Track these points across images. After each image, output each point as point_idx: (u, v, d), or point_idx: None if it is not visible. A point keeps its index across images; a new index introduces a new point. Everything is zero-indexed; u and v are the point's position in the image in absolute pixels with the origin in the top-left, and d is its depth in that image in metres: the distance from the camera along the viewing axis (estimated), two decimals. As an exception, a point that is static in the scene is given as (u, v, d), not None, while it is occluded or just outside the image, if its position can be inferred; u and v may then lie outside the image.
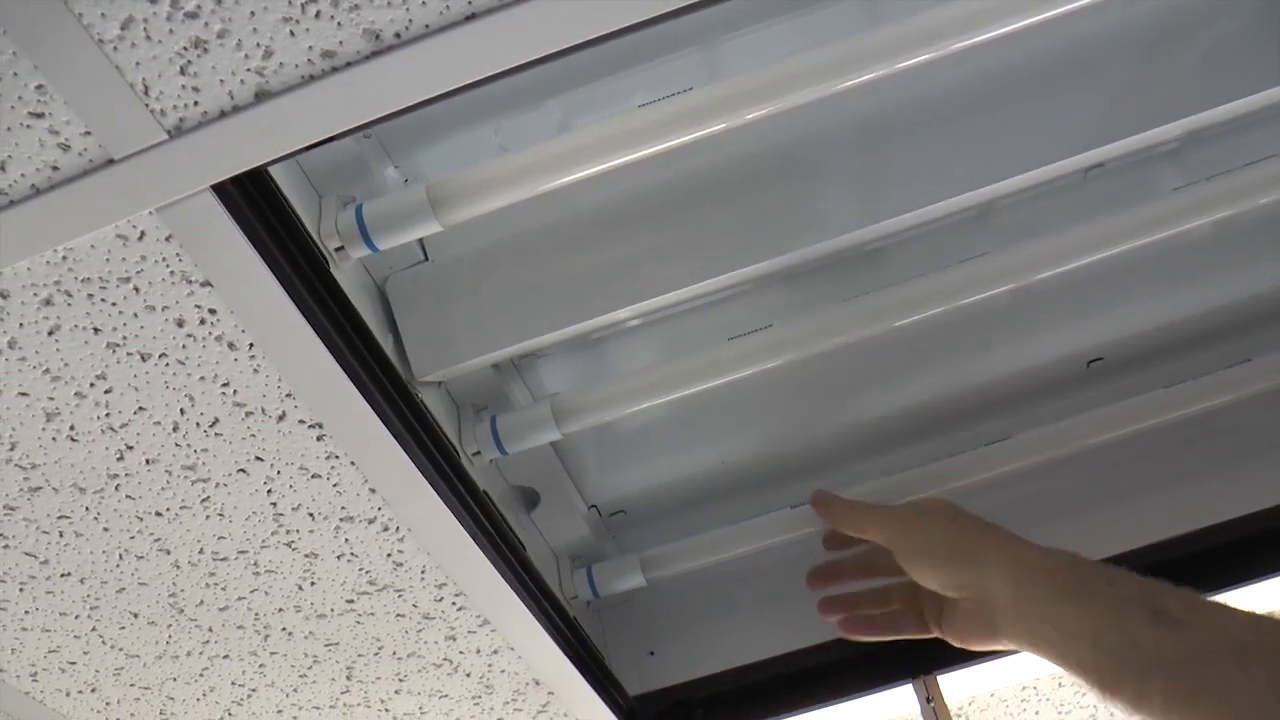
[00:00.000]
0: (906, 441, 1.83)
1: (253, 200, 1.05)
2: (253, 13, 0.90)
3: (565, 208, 1.45)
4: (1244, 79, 1.36)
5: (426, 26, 0.93)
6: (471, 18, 0.93)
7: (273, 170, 1.08)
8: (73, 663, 1.47)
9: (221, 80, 0.94)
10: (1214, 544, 1.71)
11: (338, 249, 1.28)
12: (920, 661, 1.77)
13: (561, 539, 1.80)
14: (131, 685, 1.52)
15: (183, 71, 0.93)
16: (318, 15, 0.91)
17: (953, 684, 1.78)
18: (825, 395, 1.82)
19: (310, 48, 0.93)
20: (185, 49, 0.92)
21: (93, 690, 1.52)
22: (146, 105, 0.94)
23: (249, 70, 0.94)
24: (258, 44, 0.92)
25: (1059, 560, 0.94)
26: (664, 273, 1.43)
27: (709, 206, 1.44)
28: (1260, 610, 0.94)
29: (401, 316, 1.43)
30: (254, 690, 1.57)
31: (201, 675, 1.53)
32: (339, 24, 0.92)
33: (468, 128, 1.44)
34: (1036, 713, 2.06)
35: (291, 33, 0.92)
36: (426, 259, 1.46)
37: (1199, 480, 1.76)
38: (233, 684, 1.55)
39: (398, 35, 0.93)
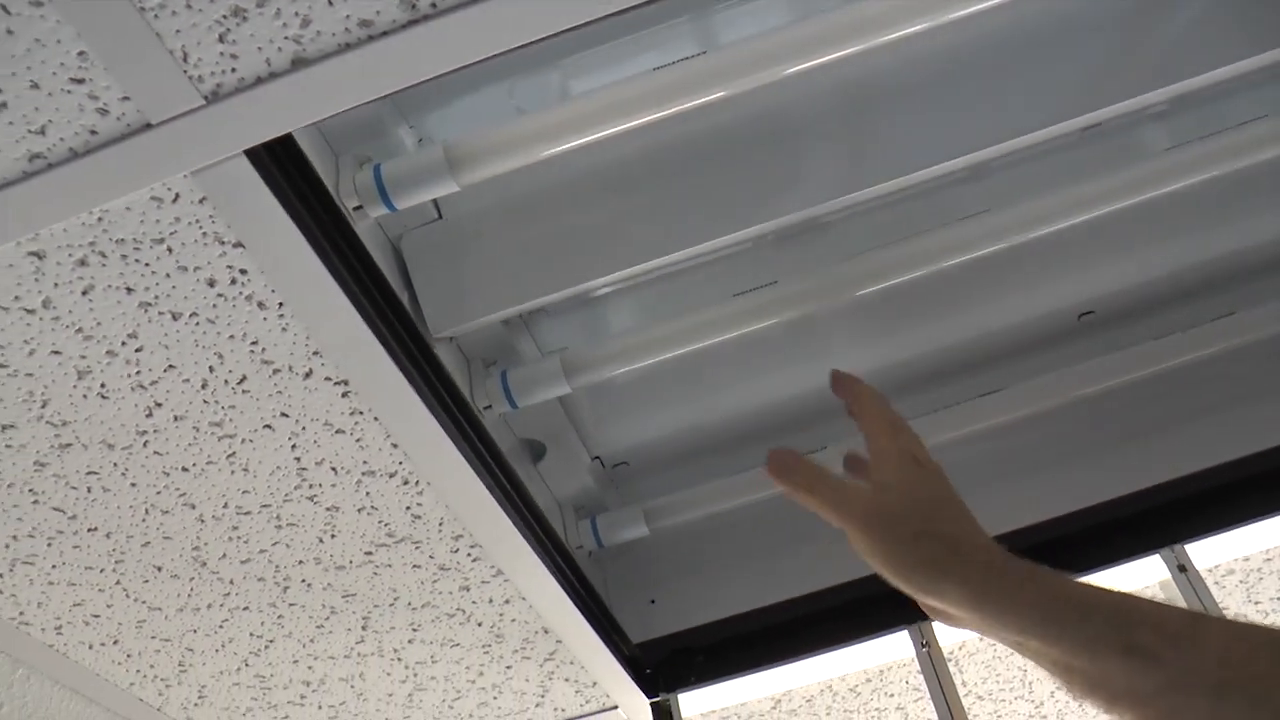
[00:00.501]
0: (902, 393, 1.88)
1: (282, 164, 1.08)
2: (292, -18, 0.92)
3: (573, 168, 1.48)
4: (1228, 47, 1.40)
5: (462, -5, 0.95)
6: (505, -13, 0.95)
7: (294, 132, 1.11)
8: (96, 616, 1.51)
9: (259, 48, 0.96)
10: (1204, 487, 1.77)
11: (356, 208, 1.31)
12: (916, 608, 1.82)
13: (566, 490, 1.84)
14: (153, 637, 1.56)
15: (221, 39, 0.95)
16: (355, -16, 0.93)
17: (945, 628, 1.84)
18: (823, 348, 1.86)
19: (348, 16, 0.95)
20: (225, 17, 0.94)
21: (115, 643, 1.56)
22: (185, 72, 0.97)
23: (286, 38, 0.96)
24: (296, 13, 0.94)
25: (1025, 592, 0.86)
26: (671, 232, 1.46)
27: (712, 169, 1.47)
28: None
29: (416, 274, 1.45)
30: (272, 641, 1.61)
31: (221, 627, 1.56)
32: (376, -8, 0.94)
33: (478, 89, 1.47)
34: (1024, 655, 2.13)
35: (330, 2, 0.94)
36: (440, 217, 1.48)
37: (1187, 427, 1.82)
38: (251, 635, 1.59)
39: (434, 5, 0.96)
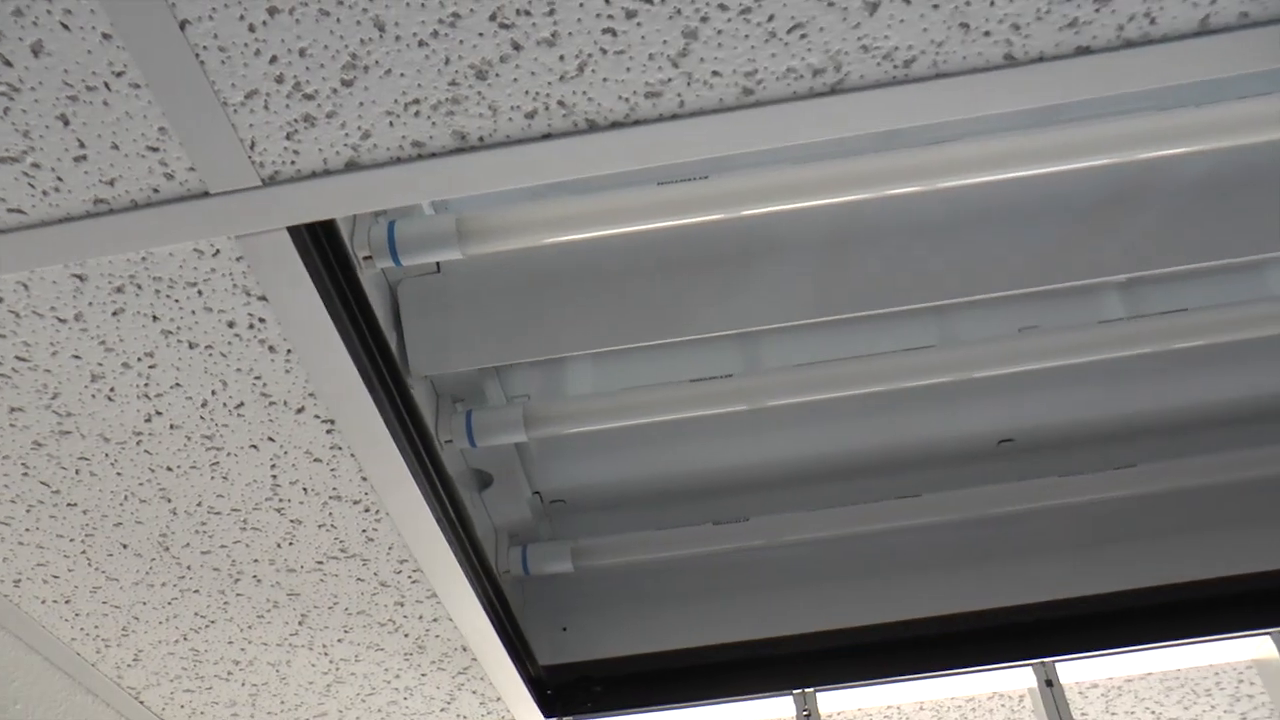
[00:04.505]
0: (828, 480, 2.03)
1: (319, 240, 1.20)
2: (361, 103, 1.04)
3: (569, 249, 1.60)
4: (1184, 248, 1.56)
5: (508, 137, 1.08)
6: (548, 137, 1.08)
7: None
8: (56, 577, 1.62)
9: (320, 149, 1.08)
10: (1079, 613, 1.95)
11: (365, 258, 1.43)
12: (802, 675, 1.99)
13: (504, 518, 1.97)
14: (104, 603, 1.67)
15: (288, 137, 1.07)
16: (417, 114, 1.05)
17: (828, 701, 2.00)
18: (762, 427, 2.00)
19: (404, 137, 1.07)
20: (295, 121, 1.05)
21: (67, 602, 1.67)
22: (249, 157, 1.08)
23: (345, 145, 1.08)
24: (359, 127, 1.06)
25: None
26: (646, 323, 1.59)
27: (697, 272, 1.60)
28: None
29: (408, 318, 1.58)
30: (213, 622, 1.73)
31: (169, 604, 1.68)
32: (433, 123, 1.06)
33: (494, 159, 1.58)
34: (894, 730, 2.30)
35: (391, 123, 1.06)
36: (438, 271, 1.60)
37: (1075, 556, 1.99)
38: (195, 614, 1.71)
39: (481, 139, 1.08)
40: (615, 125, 1.07)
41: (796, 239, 1.59)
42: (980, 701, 2.27)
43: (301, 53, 1.00)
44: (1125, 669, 2.04)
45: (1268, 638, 1.89)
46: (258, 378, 1.32)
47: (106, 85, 1.01)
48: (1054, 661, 1.96)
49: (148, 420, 1.37)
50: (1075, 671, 2.00)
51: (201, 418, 1.37)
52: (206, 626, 1.74)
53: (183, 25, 0.98)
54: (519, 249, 1.55)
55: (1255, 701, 2.24)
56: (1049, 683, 1.95)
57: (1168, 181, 1.58)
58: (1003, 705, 2.26)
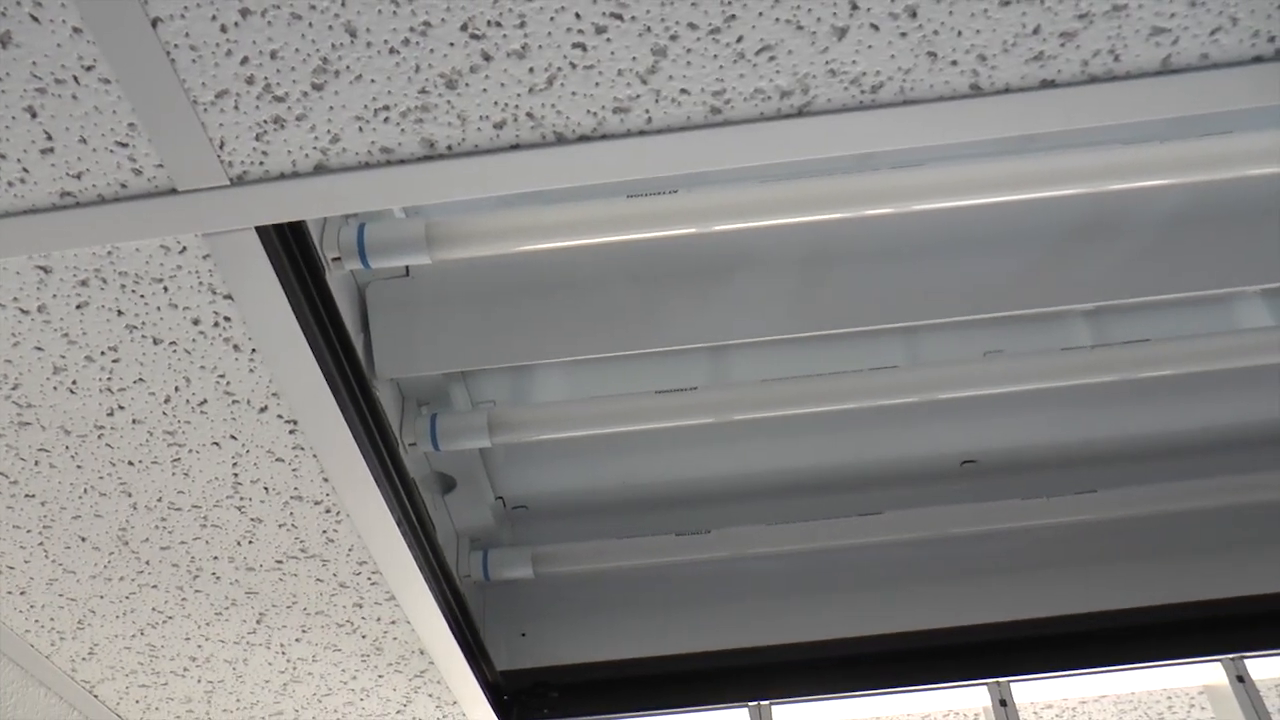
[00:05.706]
0: (788, 496, 2.04)
1: (286, 241, 1.20)
2: (331, 108, 1.05)
3: (540, 256, 1.61)
4: (1151, 279, 1.58)
5: (476, 146, 1.08)
6: (515, 148, 1.08)
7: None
8: (11, 568, 1.61)
9: (289, 151, 1.08)
10: (1035, 634, 1.97)
11: (334, 259, 1.43)
12: (758, 688, 2.00)
13: (466, 522, 1.98)
14: (60, 595, 1.67)
15: (258, 138, 1.07)
16: (386, 120, 1.06)
17: (784, 709, 2.01)
18: (728, 439, 2.01)
19: (373, 142, 1.08)
20: (265, 122, 1.06)
21: (22, 593, 1.66)
22: (218, 156, 1.08)
23: (315, 148, 1.08)
24: (329, 130, 1.07)
25: None
26: (616, 334, 1.60)
27: (667, 284, 1.61)
28: None
29: (375, 320, 1.58)
30: (170, 618, 1.72)
31: (127, 598, 1.68)
32: (402, 130, 1.07)
33: (467, 165, 1.59)
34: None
35: (360, 129, 1.06)
36: (407, 274, 1.60)
37: (1032, 577, 2.01)
38: (153, 609, 1.70)
39: (450, 148, 1.09)
40: (583, 139, 1.08)
41: (767, 256, 1.60)
42: (935, 719, 2.28)
43: (273, 55, 1.01)
44: (1079, 691, 2.05)
45: (1219, 664, 1.91)
46: (221, 376, 1.32)
47: (76, 79, 1.02)
48: (1009, 681, 1.97)
49: (110, 414, 1.37)
50: (1030, 692, 2.02)
51: (164, 413, 1.37)
52: (164, 622, 1.74)
53: (154, 23, 0.98)
54: (489, 255, 1.55)
55: (1206, 728, 2.27)
56: (1003, 702, 1.96)
57: (1136, 214, 1.60)
58: (958, 723, 2.28)
